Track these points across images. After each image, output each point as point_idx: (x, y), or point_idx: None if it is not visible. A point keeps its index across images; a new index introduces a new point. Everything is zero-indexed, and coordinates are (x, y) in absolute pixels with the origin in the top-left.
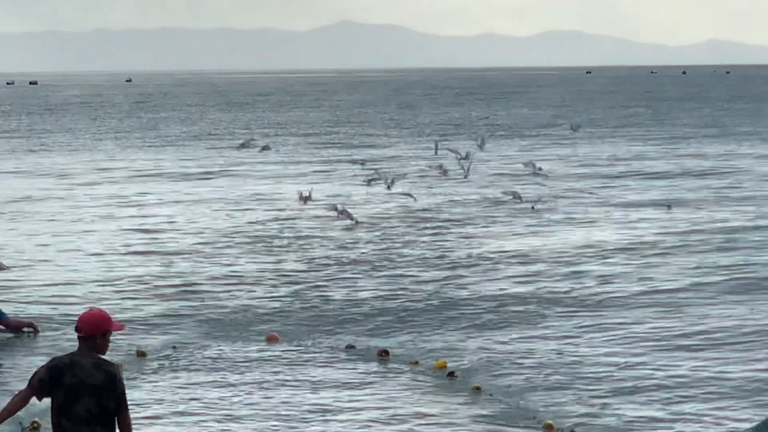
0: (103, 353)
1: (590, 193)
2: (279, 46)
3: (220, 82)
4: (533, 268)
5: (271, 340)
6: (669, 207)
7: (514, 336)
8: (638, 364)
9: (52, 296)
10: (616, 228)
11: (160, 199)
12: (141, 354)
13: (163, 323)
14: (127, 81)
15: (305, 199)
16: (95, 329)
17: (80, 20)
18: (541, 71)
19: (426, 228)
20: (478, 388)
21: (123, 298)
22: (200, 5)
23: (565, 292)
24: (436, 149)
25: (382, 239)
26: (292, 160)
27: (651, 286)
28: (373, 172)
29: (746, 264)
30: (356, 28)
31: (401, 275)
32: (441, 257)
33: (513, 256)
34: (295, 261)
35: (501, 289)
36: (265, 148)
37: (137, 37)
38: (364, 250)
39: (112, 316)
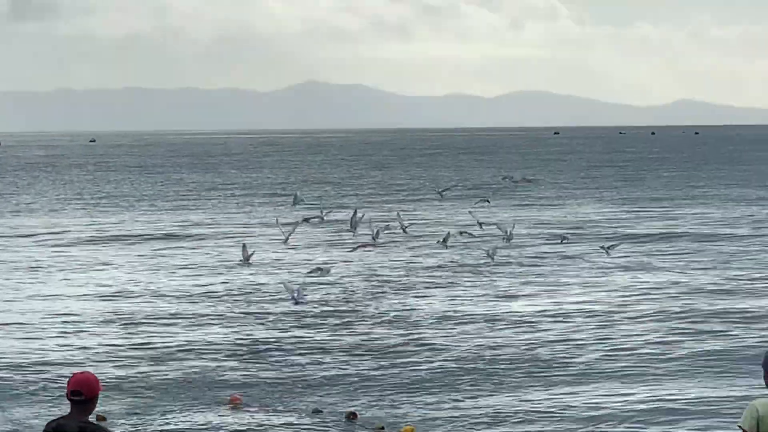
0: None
1: (554, 254)
2: (244, 106)
3: (182, 142)
4: (501, 329)
5: (234, 402)
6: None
7: (481, 400)
8: None
9: (10, 361)
10: (580, 291)
11: (122, 263)
12: (101, 418)
13: (126, 387)
14: (91, 141)
15: (246, 259)
16: (95, 392)
17: (43, 80)
18: (509, 131)
19: (389, 287)
20: None
21: (84, 362)
22: (164, 65)
23: (531, 355)
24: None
25: (345, 298)
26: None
27: (613, 351)
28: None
29: (707, 333)
30: (322, 88)
31: (366, 334)
32: (405, 317)
33: (481, 317)
34: (257, 323)
35: (469, 350)
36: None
37: (101, 97)
38: (327, 308)
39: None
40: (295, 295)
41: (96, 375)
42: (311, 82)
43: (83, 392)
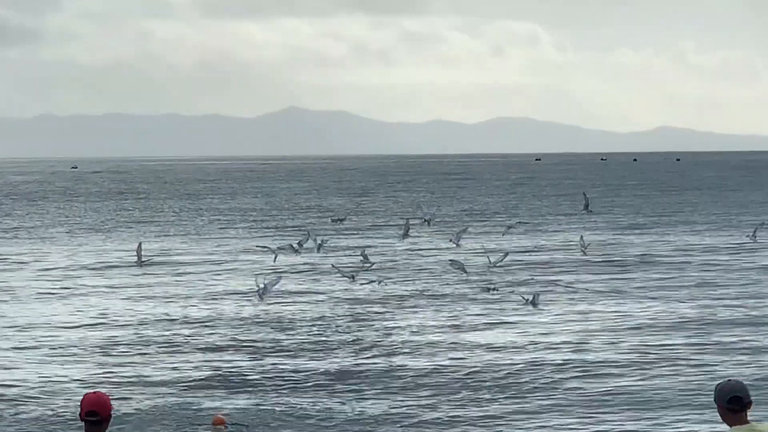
0: None
1: (535, 281)
2: (226, 132)
3: (164, 169)
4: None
5: (216, 424)
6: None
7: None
8: None
9: None
10: (558, 317)
11: (100, 290)
12: None
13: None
14: (72, 168)
15: (140, 259)
16: (109, 410)
17: (25, 106)
18: (490, 158)
19: (367, 312)
20: None
21: (55, 391)
22: (146, 91)
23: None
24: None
25: (316, 323)
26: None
27: (588, 377)
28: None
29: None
30: (304, 115)
31: (340, 358)
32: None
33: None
34: (240, 347)
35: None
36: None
37: (83, 123)
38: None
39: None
40: (263, 286)
41: (104, 395)
42: (292, 108)
43: (98, 412)
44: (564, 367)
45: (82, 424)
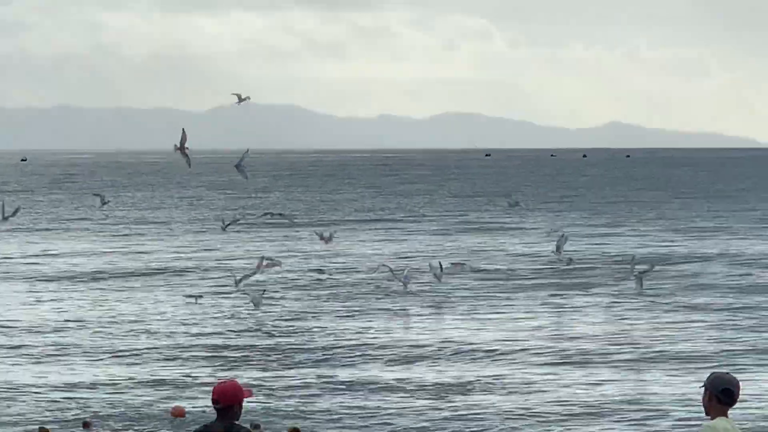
0: (237, 419)
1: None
2: (177, 125)
3: (121, 161)
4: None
5: (176, 414)
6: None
7: None
8: None
9: None
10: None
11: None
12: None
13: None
14: (22, 160)
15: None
16: (231, 400)
17: None
18: (441, 153)
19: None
20: None
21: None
22: (96, 84)
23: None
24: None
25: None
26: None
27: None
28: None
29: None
30: (255, 108)
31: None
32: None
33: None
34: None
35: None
36: None
37: (32, 116)
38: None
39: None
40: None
41: (237, 383)
42: (244, 101)
43: (219, 401)
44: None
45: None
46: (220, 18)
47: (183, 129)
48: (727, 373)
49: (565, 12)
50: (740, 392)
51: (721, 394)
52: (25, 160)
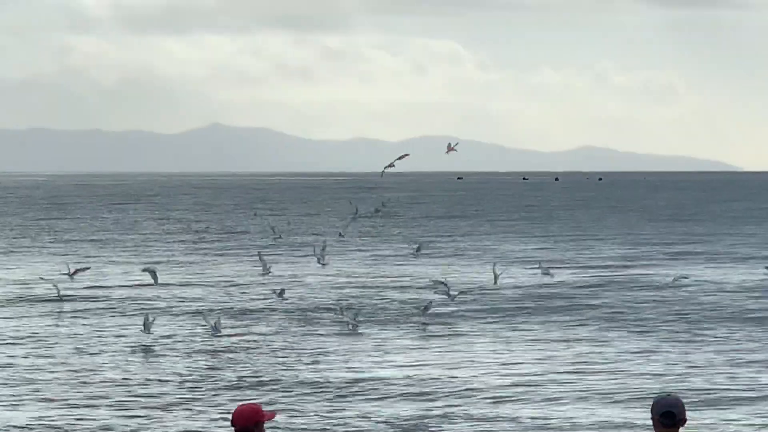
0: None
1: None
2: (149, 148)
3: (90, 183)
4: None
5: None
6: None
7: None
8: None
9: None
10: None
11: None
12: None
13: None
14: None
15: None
16: (247, 422)
17: None
18: (412, 176)
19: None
20: None
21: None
22: (68, 107)
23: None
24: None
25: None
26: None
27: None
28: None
29: None
30: (227, 131)
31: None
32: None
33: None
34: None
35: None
36: None
37: (2, 137)
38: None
39: (261, 407)
40: (214, 325)
41: (257, 405)
42: (216, 124)
43: (237, 422)
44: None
45: None
46: (189, 41)
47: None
48: (669, 394)
49: (533, 36)
50: (685, 411)
51: (662, 417)
52: None
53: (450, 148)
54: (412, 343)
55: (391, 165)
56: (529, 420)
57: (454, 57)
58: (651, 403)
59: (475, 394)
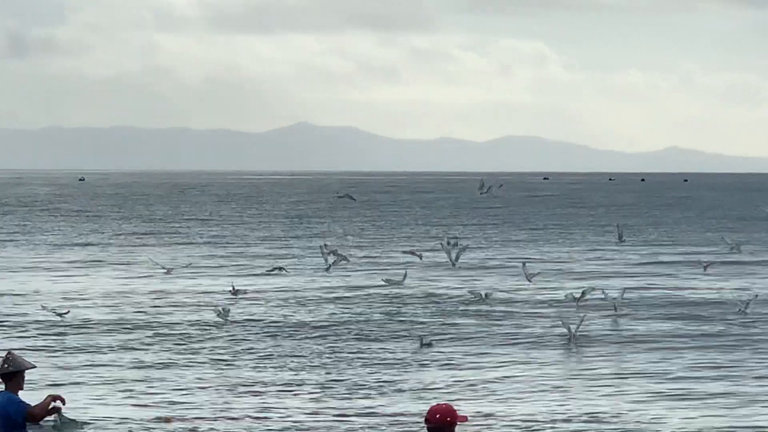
0: None
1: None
2: (236, 146)
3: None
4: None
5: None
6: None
7: None
8: None
9: None
10: None
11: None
12: None
13: None
14: (80, 180)
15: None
16: (438, 421)
17: (33, 117)
18: (498, 176)
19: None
20: None
21: None
22: (155, 105)
23: None
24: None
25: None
26: None
27: None
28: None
29: None
30: (314, 130)
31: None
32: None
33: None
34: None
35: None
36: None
37: (90, 135)
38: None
39: (456, 409)
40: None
41: (449, 405)
42: (302, 123)
43: (431, 420)
44: None
45: None
46: (275, 40)
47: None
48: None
49: (618, 37)
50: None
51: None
52: (83, 179)
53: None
54: None
55: (488, 190)
56: None
57: (540, 57)
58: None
59: None
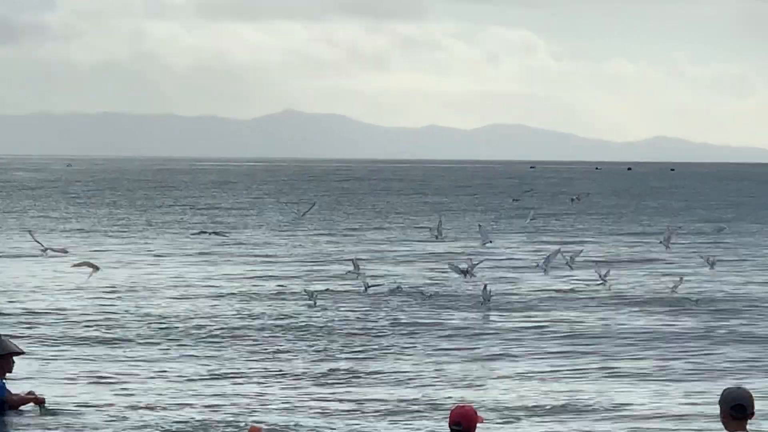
0: None
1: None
2: (222, 133)
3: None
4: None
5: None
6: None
7: None
8: None
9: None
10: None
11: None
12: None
13: None
14: (67, 165)
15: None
16: (472, 422)
17: (20, 103)
18: (485, 164)
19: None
20: None
21: None
22: (142, 91)
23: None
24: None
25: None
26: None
27: None
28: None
29: None
30: (300, 117)
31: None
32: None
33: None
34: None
35: None
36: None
37: (78, 121)
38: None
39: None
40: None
41: (473, 408)
42: (289, 110)
43: (461, 423)
44: None
45: None
46: (263, 27)
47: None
48: (739, 387)
49: (607, 26)
50: (754, 404)
51: (732, 411)
52: (70, 165)
53: None
54: None
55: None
56: None
57: (528, 46)
58: (720, 394)
59: None
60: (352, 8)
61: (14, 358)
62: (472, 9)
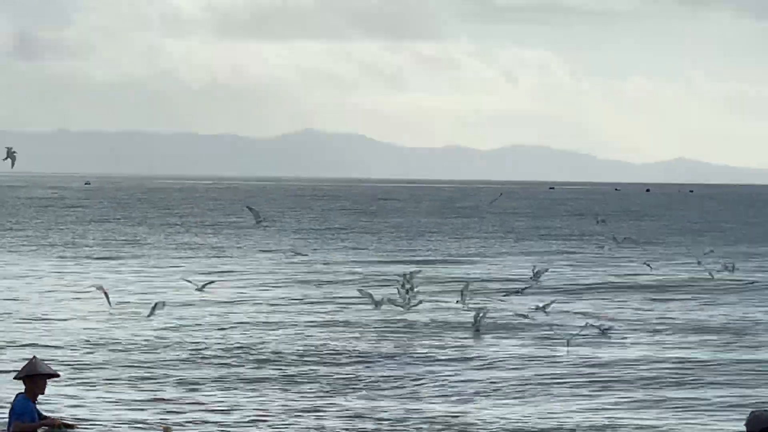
0: None
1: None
2: (241, 152)
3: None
4: None
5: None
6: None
7: None
8: None
9: None
10: None
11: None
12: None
13: None
14: (86, 184)
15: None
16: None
17: (40, 120)
18: (504, 185)
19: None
20: None
21: None
22: (161, 109)
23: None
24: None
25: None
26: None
27: None
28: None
29: None
30: (320, 137)
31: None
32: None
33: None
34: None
35: None
36: None
37: (96, 140)
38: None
39: None
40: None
41: None
42: (307, 130)
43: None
44: None
45: None
46: (281, 45)
47: None
48: (766, 410)
49: (623, 45)
50: None
51: None
52: (89, 184)
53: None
54: None
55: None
56: None
57: (545, 65)
58: (748, 415)
59: None
60: (370, 27)
61: (48, 381)
62: (489, 29)
